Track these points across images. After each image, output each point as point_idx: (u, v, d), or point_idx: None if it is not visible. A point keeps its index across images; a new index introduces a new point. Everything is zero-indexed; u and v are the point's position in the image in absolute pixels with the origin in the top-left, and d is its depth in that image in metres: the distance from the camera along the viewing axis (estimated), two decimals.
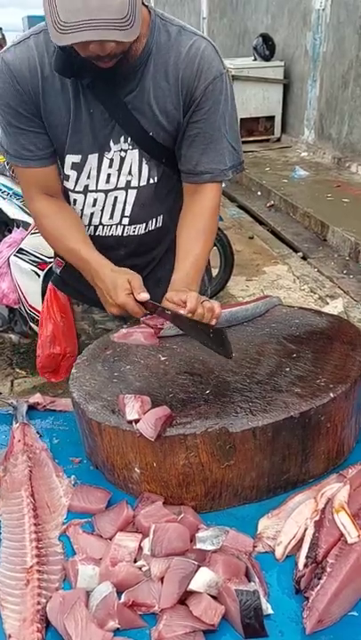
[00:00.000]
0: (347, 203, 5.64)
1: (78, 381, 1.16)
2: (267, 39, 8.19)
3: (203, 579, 0.83)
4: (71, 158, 1.39)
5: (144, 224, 1.49)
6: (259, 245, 5.14)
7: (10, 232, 3.15)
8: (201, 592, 0.83)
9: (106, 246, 1.46)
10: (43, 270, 2.97)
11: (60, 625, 0.81)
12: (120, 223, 1.47)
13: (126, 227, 1.48)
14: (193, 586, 0.83)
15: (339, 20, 7.04)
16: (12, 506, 1.04)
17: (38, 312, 3.04)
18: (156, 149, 1.39)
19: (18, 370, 3.30)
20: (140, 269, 1.51)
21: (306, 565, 0.87)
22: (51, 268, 2.98)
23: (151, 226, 1.50)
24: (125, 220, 1.47)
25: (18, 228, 3.15)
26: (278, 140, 8.62)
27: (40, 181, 1.43)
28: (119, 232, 1.48)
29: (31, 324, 3.10)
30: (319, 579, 0.85)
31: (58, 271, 1.71)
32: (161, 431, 0.96)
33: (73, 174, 1.41)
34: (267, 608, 0.83)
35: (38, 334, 1.86)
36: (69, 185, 1.44)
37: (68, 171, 1.41)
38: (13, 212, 3.19)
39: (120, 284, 1.29)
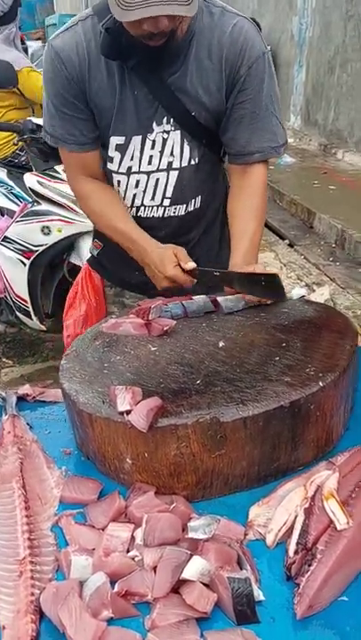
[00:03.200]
0: (333, 190, 5.64)
1: (68, 372, 1.15)
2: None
3: (195, 567, 0.84)
4: (115, 140, 1.42)
5: (184, 205, 1.52)
6: None
7: None
8: (193, 580, 0.84)
9: (147, 228, 1.50)
10: (28, 259, 2.95)
11: (55, 615, 0.81)
12: (161, 204, 1.50)
13: (167, 208, 1.51)
14: (186, 574, 0.83)
15: (325, 5, 6.99)
16: (4, 498, 1.04)
17: (24, 301, 3.02)
18: (197, 130, 1.42)
19: (4, 359, 3.28)
20: None
21: (296, 552, 0.89)
22: (36, 256, 2.97)
23: (191, 207, 1.53)
24: (166, 202, 1.50)
25: (3, 215, 3.12)
26: None
27: (82, 165, 1.50)
28: (160, 213, 1.52)
29: (17, 313, 3.08)
30: (309, 565, 0.86)
31: (95, 253, 1.75)
32: (152, 422, 0.96)
33: (117, 156, 1.45)
34: (258, 595, 0.84)
35: (66, 313, 1.90)
36: (113, 167, 1.47)
37: (112, 152, 1.45)
38: None
39: (167, 258, 1.40)
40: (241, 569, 0.87)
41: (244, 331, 1.25)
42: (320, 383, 1.04)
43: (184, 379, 1.09)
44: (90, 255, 1.81)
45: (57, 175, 2.89)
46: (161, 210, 1.51)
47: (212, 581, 0.84)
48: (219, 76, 1.36)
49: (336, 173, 6.17)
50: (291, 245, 4.82)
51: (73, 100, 1.39)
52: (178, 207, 1.52)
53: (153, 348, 1.21)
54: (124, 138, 1.42)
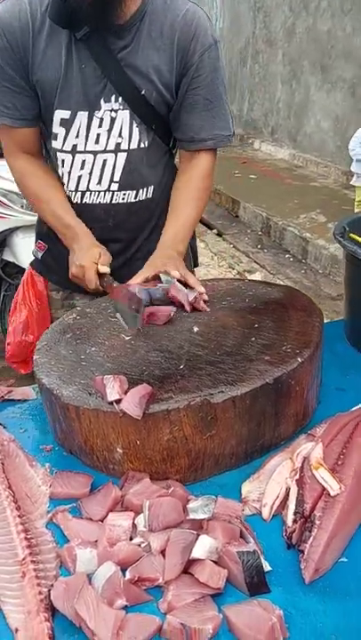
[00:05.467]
0: (254, 179, 5.80)
1: (45, 367, 1.12)
2: None
3: (204, 546, 0.85)
4: (60, 114, 1.37)
5: (134, 192, 1.47)
6: None
7: None
8: (203, 559, 0.85)
9: (93, 217, 1.46)
10: None
11: (70, 610, 0.80)
12: (109, 189, 1.45)
13: (115, 193, 1.46)
14: (195, 554, 0.84)
15: None
16: None
17: None
18: (147, 112, 1.39)
19: None
20: (127, 244, 1.52)
21: (295, 521, 0.92)
22: None
23: (141, 195, 1.48)
24: (114, 186, 1.45)
25: None
26: None
27: (17, 141, 1.43)
28: (107, 199, 1.46)
29: None
30: (310, 531, 0.90)
31: (39, 255, 1.66)
32: (145, 409, 0.96)
33: (61, 132, 1.39)
34: (265, 565, 0.87)
35: (10, 319, 1.78)
36: (57, 144, 1.41)
37: (56, 128, 1.39)
38: None
39: (92, 252, 1.39)
40: (246, 543, 0.89)
41: (214, 315, 1.27)
42: (298, 359, 1.08)
43: (167, 364, 1.09)
44: (32, 258, 1.71)
45: None
46: (109, 195, 1.46)
47: (221, 557, 0.86)
48: (170, 58, 1.34)
49: (255, 163, 6.34)
50: (219, 235, 4.91)
51: (10, 70, 1.33)
52: (127, 193, 1.46)
53: (127, 338, 1.21)
54: (69, 112, 1.36)
